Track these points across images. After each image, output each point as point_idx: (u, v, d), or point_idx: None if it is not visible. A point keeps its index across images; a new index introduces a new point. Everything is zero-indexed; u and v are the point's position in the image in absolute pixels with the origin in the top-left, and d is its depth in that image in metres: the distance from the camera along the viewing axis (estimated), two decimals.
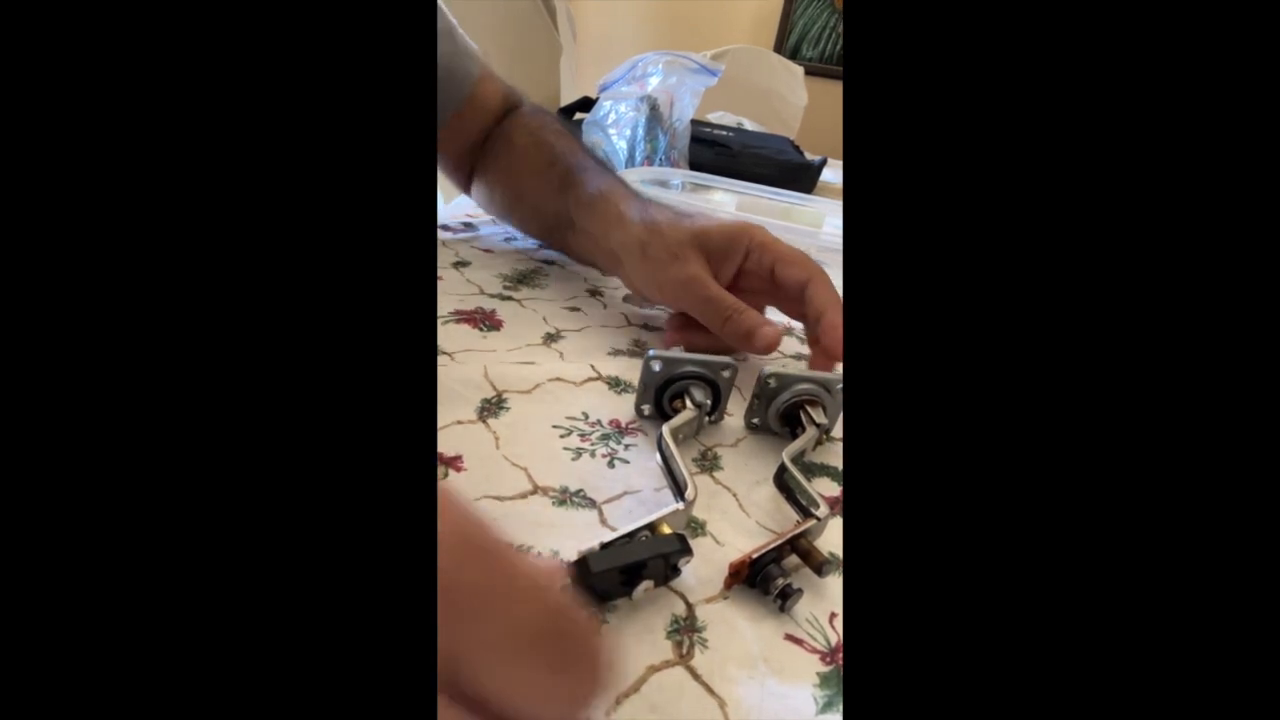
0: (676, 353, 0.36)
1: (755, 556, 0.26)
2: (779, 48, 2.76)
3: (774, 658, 0.24)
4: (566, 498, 0.30)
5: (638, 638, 0.24)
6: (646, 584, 0.24)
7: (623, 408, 0.38)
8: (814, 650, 0.24)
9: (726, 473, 0.34)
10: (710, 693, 0.22)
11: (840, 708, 0.22)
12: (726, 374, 0.36)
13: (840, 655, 0.24)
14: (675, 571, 0.25)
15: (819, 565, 0.27)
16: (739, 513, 0.31)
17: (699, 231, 0.43)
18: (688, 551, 0.25)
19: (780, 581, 0.26)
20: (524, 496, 0.30)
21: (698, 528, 0.30)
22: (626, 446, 0.35)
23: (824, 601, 0.27)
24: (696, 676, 0.23)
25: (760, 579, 0.26)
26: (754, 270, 0.43)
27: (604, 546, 0.24)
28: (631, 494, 0.31)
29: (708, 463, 0.35)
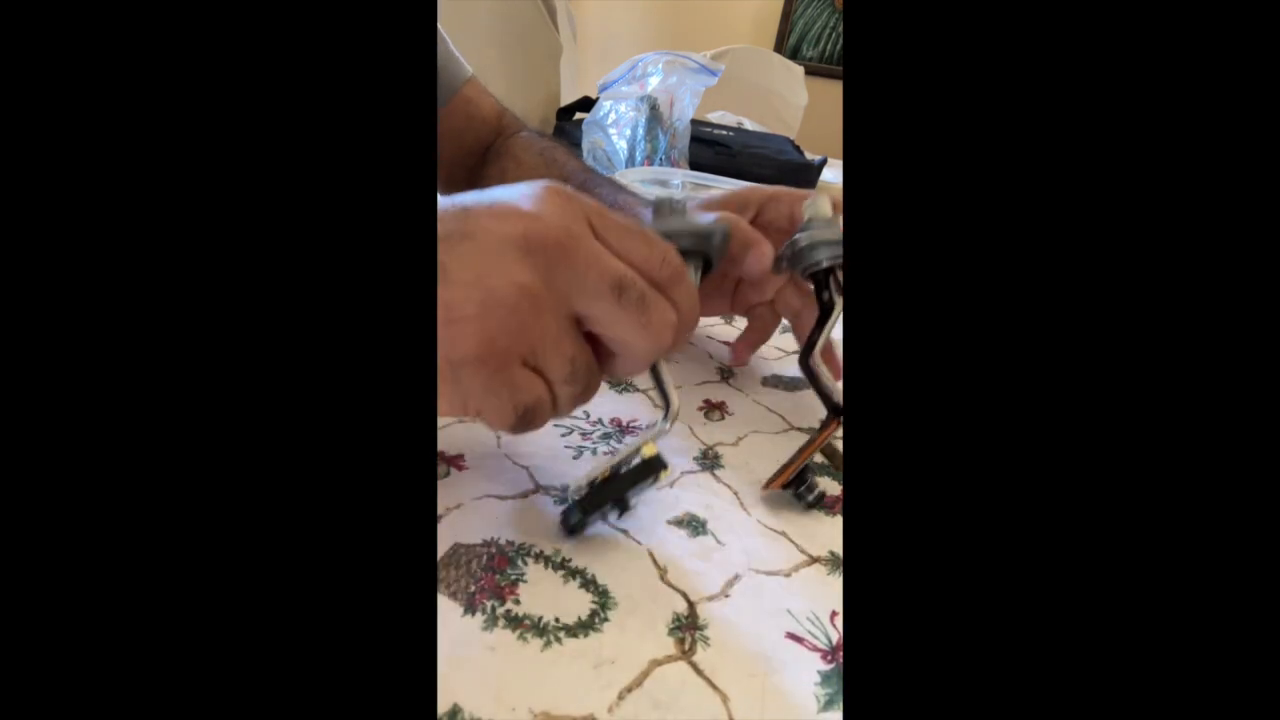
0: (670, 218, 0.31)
1: (804, 464, 0.31)
2: (779, 48, 2.76)
3: (775, 655, 0.24)
4: (568, 496, 0.30)
5: (639, 633, 0.24)
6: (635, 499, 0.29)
7: (624, 406, 0.38)
8: (815, 648, 0.25)
9: (727, 471, 0.34)
10: (713, 688, 0.22)
11: (841, 706, 0.22)
12: (717, 240, 0.32)
13: (841, 653, 0.24)
14: (656, 478, 0.28)
15: (842, 463, 0.31)
16: (740, 512, 0.32)
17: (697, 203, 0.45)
18: (664, 467, 0.28)
19: (816, 483, 0.32)
20: (525, 495, 0.30)
21: (698, 527, 0.30)
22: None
23: (825, 600, 0.27)
24: (699, 672, 0.23)
25: (800, 483, 0.31)
26: (774, 220, 0.43)
27: (591, 485, 0.27)
28: None
29: (709, 461, 0.35)
